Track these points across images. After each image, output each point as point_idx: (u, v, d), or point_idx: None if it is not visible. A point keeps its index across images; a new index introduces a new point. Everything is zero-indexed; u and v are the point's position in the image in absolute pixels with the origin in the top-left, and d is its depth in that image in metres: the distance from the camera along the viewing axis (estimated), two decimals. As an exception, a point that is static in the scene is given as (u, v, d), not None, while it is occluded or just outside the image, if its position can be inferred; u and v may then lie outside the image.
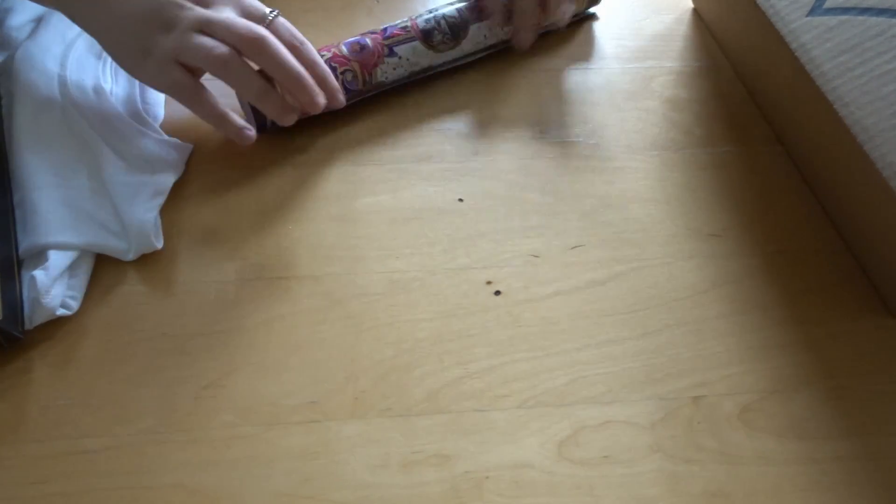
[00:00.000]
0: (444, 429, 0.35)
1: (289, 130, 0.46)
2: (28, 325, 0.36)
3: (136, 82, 0.46)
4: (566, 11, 0.51)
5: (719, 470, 0.34)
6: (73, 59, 0.46)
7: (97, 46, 0.47)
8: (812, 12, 0.41)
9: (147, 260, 0.40)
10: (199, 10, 0.39)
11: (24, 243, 0.38)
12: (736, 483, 0.34)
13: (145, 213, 0.39)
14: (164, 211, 0.42)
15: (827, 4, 0.41)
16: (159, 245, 0.40)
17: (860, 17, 0.38)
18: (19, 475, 0.33)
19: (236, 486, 0.33)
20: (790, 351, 0.38)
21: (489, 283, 0.40)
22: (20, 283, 0.37)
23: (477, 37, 0.49)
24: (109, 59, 0.47)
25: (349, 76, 0.45)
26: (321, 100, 0.41)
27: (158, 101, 0.47)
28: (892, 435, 0.36)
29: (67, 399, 0.35)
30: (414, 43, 0.47)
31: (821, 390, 0.37)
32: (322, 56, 0.44)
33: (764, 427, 0.36)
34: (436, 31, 0.47)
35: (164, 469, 0.33)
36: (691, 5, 0.58)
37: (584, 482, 0.33)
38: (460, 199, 0.44)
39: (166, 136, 0.44)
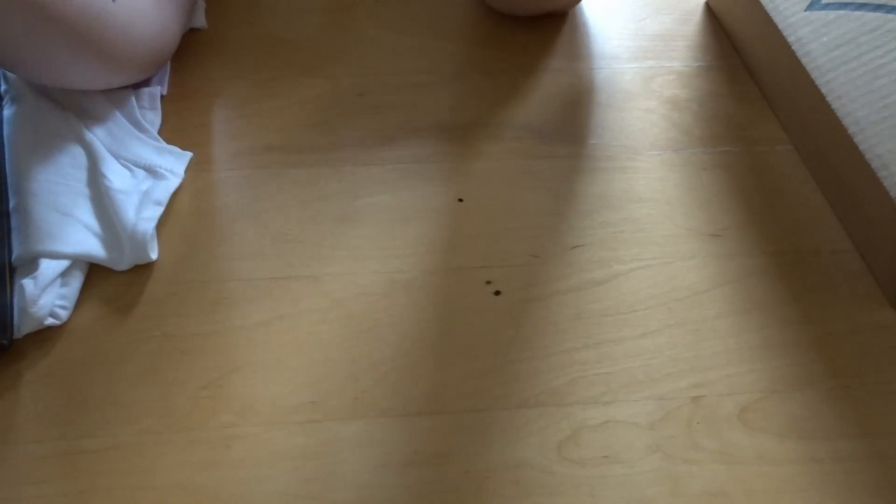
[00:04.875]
0: (444, 429, 0.35)
1: (288, 131, 0.46)
2: (17, 334, 0.35)
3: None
4: None
5: (719, 470, 0.34)
6: (72, 61, 0.46)
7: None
8: (810, 7, 0.41)
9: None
10: None
11: (18, 250, 0.38)
12: (736, 483, 0.34)
13: (144, 223, 0.39)
14: (162, 214, 0.41)
15: (825, 0, 0.41)
16: (154, 256, 0.39)
17: (857, 13, 0.39)
18: (19, 475, 0.33)
19: (236, 486, 0.33)
20: (791, 350, 0.38)
21: (489, 283, 0.40)
22: (11, 290, 0.36)
23: None
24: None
25: None
26: None
27: (156, 107, 0.46)
28: (893, 435, 0.36)
29: (67, 399, 0.35)
30: None
31: (822, 390, 0.37)
32: None
33: (764, 427, 0.35)
34: None
35: (164, 469, 0.33)
36: (693, 5, 0.58)
37: (583, 482, 0.33)
38: (460, 199, 0.44)
39: (165, 144, 0.44)
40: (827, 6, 0.41)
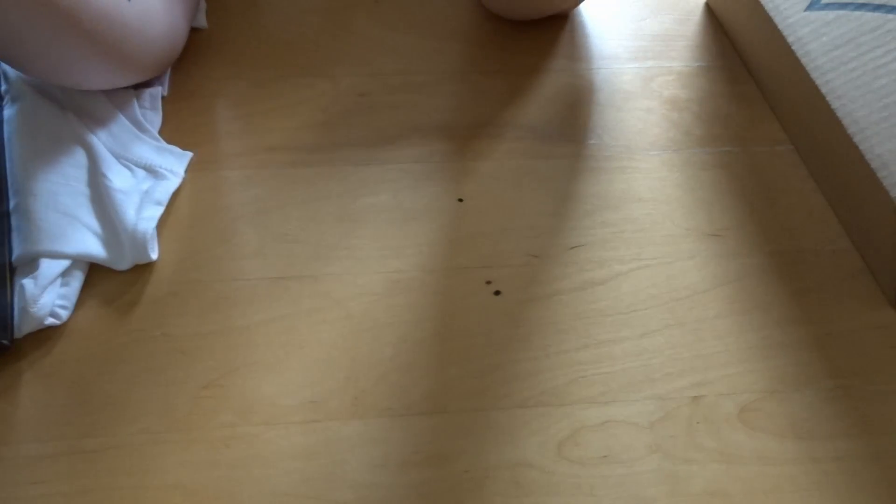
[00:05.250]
0: (443, 429, 0.35)
1: (288, 131, 0.47)
2: (17, 334, 0.35)
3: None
4: None
5: (719, 470, 0.34)
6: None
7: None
8: (810, 7, 0.41)
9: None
10: None
11: (18, 250, 0.38)
12: (736, 483, 0.34)
13: (144, 222, 0.39)
14: (163, 214, 0.41)
15: (825, 0, 0.41)
16: (154, 257, 0.39)
17: (857, 13, 0.39)
18: (19, 475, 0.33)
19: (236, 486, 0.33)
20: (791, 350, 0.38)
21: (489, 282, 0.40)
22: (12, 290, 0.36)
23: None
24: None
25: None
26: None
27: (157, 107, 0.46)
28: (893, 435, 0.36)
29: (67, 399, 0.35)
30: None
31: (822, 390, 0.37)
32: None
33: (764, 427, 0.35)
34: None
35: (164, 469, 0.33)
36: (693, 5, 0.58)
37: (583, 482, 0.33)
38: (460, 199, 0.44)
39: (166, 144, 0.44)
40: (827, 6, 0.41)
